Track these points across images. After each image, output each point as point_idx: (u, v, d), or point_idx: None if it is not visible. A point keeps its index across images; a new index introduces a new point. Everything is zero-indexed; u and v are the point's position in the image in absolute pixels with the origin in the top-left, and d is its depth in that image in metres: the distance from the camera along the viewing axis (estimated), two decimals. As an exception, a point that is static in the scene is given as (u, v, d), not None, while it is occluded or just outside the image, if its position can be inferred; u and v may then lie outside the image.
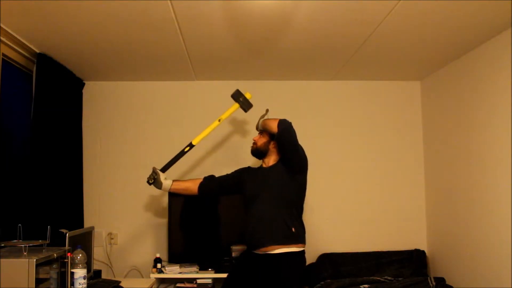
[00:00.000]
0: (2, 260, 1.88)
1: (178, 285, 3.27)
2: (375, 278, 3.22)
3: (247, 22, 2.49)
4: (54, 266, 2.19)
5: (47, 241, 2.15)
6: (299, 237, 2.46)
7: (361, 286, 3.03)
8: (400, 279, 3.20)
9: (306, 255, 2.50)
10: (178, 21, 2.47)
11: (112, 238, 3.53)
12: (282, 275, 2.39)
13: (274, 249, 2.40)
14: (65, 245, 2.33)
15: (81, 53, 2.99)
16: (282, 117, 2.52)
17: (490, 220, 2.80)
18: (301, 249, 2.45)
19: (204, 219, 3.45)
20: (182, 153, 2.81)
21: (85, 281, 2.27)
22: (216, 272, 3.23)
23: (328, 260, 3.42)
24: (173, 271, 3.22)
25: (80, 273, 2.24)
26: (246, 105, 2.84)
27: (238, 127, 3.63)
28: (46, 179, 2.88)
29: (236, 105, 2.84)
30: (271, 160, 2.62)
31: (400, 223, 3.64)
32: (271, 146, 2.60)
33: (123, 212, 3.57)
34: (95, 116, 3.64)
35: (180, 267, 3.26)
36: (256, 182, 2.59)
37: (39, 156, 2.83)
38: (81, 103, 3.56)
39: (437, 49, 2.99)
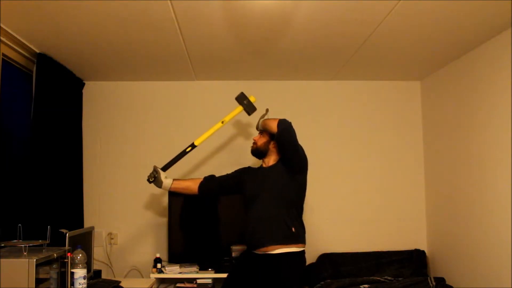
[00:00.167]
0: (2, 260, 1.88)
1: (178, 285, 3.27)
2: (375, 278, 3.22)
3: (247, 22, 2.49)
4: (54, 266, 2.19)
5: (47, 241, 2.15)
6: (299, 237, 2.46)
7: (361, 286, 3.03)
8: (400, 279, 3.20)
9: (306, 255, 2.49)
10: (178, 21, 2.47)
11: (112, 238, 3.53)
12: (282, 275, 2.39)
13: (274, 249, 2.40)
14: (65, 245, 2.33)
15: (81, 53, 2.99)
16: (282, 117, 2.52)
17: (490, 220, 2.80)
18: (301, 249, 2.45)
19: (204, 219, 3.45)
20: (183, 153, 2.81)
21: (85, 281, 2.27)
22: (216, 272, 3.23)
23: (328, 260, 3.42)
24: (173, 271, 3.22)
25: (80, 273, 2.24)
26: (250, 108, 2.83)
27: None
28: (46, 179, 2.88)
29: (240, 107, 2.84)
30: (271, 160, 2.62)
31: (400, 223, 3.64)
32: (271, 146, 2.60)
33: (123, 212, 3.57)
34: (95, 116, 3.64)
35: (180, 267, 3.26)
36: (256, 182, 2.59)
37: (39, 156, 2.83)
38: (81, 103, 3.56)
39: (437, 49, 2.99)
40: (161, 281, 3.46)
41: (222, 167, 2.92)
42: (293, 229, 2.43)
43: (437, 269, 3.47)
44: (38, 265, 1.91)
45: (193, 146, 2.82)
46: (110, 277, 3.38)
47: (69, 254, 2.19)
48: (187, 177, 3.48)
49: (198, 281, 3.22)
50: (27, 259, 1.88)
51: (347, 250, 3.52)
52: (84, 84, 3.60)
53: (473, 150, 3.00)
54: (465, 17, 2.44)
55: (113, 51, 2.96)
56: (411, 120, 3.76)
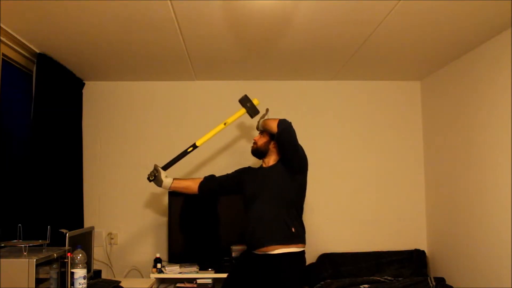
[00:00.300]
0: (2, 260, 1.88)
1: (178, 285, 3.27)
2: (375, 278, 3.22)
3: (247, 22, 2.49)
4: (54, 266, 2.19)
5: (47, 241, 2.15)
6: (299, 237, 2.46)
7: (361, 286, 3.03)
8: (400, 279, 3.20)
9: (306, 255, 2.50)
10: (178, 21, 2.47)
11: (112, 238, 3.53)
12: (282, 275, 2.39)
13: (274, 249, 2.40)
14: (65, 245, 2.33)
15: (81, 53, 2.99)
16: (282, 117, 2.52)
17: (490, 220, 2.80)
18: (301, 249, 2.45)
19: (204, 219, 3.45)
20: (185, 153, 2.81)
21: (85, 281, 2.27)
22: (216, 272, 3.23)
23: (328, 260, 3.42)
24: (173, 271, 3.22)
25: (80, 273, 2.24)
26: (252, 111, 2.81)
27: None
28: (46, 179, 2.88)
29: (243, 110, 2.83)
30: (271, 160, 2.62)
31: (400, 223, 3.64)
32: (271, 146, 2.60)
33: (123, 212, 3.57)
34: (95, 116, 3.64)
35: (180, 267, 3.26)
36: (256, 182, 2.59)
37: (39, 156, 2.83)
38: (81, 103, 3.56)
39: (437, 49, 2.99)
40: (161, 281, 3.46)
41: (224, 168, 2.91)
42: (293, 229, 2.43)
43: (437, 269, 3.47)
44: (38, 265, 1.91)
45: (194, 146, 2.82)
46: (110, 277, 3.38)
47: (69, 254, 2.19)
48: (188, 178, 3.49)
49: (198, 281, 3.22)
50: (27, 259, 1.88)
51: (347, 250, 3.52)
52: (84, 84, 3.60)
53: (473, 150, 3.00)
54: (465, 17, 2.44)
55: (113, 51, 2.96)
56: (411, 120, 3.76)
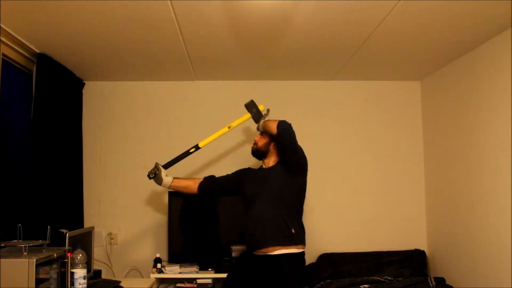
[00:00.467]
0: (2, 260, 1.88)
1: (178, 285, 3.27)
2: (375, 278, 3.22)
3: (247, 22, 2.49)
4: (54, 266, 2.20)
5: (47, 241, 2.15)
6: (299, 238, 2.46)
7: (361, 286, 3.03)
8: (400, 279, 3.20)
9: (306, 255, 2.50)
10: (178, 21, 2.47)
11: (112, 238, 3.53)
12: (281, 276, 2.39)
13: (274, 250, 2.40)
14: (65, 245, 2.33)
15: (81, 53, 2.99)
16: (282, 118, 2.52)
17: (490, 220, 2.80)
18: (301, 250, 2.45)
19: (204, 219, 3.45)
20: (186, 153, 2.82)
21: (85, 281, 2.27)
22: (216, 272, 3.23)
23: (328, 260, 3.42)
24: (173, 271, 3.22)
25: (80, 273, 2.24)
26: (258, 116, 2.79)
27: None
28: (46, 179, 2.88)
29: (248, 115, 2.82)
30: (271, 161, 2.62)
31: (400, 223, 3.64)
32: (272, 147, 2.60)
33: (123, 212, 3.57)
34: (95, 116, 3.64)
35: (180, 267, 3.26)
36: (256, 183, 2.59)
37: (39, 156, 2.83)
38: (81, 103, 3.56)
39: (437, 49, 2.99)
40: (161, 281, 3.46)
41: (227, 171, 2.90)
42: (293, 230, 2.43)
43: (437, 269, 3.47)
44: (38, 265, 1.91)
45: (197, 147, 2.83)
46: (110, 277, 3.38)
47: (69, 254, 2.19)
48: (188, 178, 3.48)
49: (198, 281, 3.22)
50: (27, 259, 1.88)
51: (347, 250, 3.52)
52: (84, 84, 3.60)
53: (473, 150, 3.00)
54: (465, 17, 2.44)
55: (113, 51, 2.96)
56: (411, 120, 3.76)
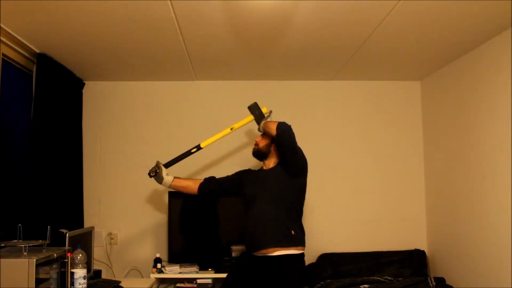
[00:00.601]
0: (2, 260, 1.88)
1: (178, 285, 3.27)
2: (375, 278, 3.22)
3: (247, 22, 2.49)
4: (54, 266, 2.20)
5: (47, 241, 2.15)
6: (299, 239, 2.46)
7: (361, 286, 3.03)
8: (400, 279, 3.20)
9: (306, 255, 2.50)
10: (178, 21, 2.47)
11: (112, 238, 3.53)
12: (281, 277, 2.39)
13: (274, 251, 2.40)
14: (65, 245, 2.33)
15: (81, 53, 2.99)
16: (282, 118, 2.52)
17: (490, 220, 2.80)
18: (301, 251, 2.45)
19: (204, 219, 3.45)
20: (188, 153, 2.83)
21: (85, 281, 2.27)
22: (216, 272, 3.23)
23: (328, 260, 3.42)
24: (173, 271, 3.22)
25: (80, 273, 2.24)
26: (260, 119, 2.79)
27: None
28: (46, 179, 2.88)
29: (251, 117, 2.82)
30: (271, 162, 2.62)
31: (400, 223, 3.64)
32: (273, 148, 2.60)
33: (123, 212, 3.57)
34: (95, 116, 3.64)
35: (180, 267, 3.26)
36: (256, 184, 2.59)
37: (39, 156, 2.83)
38: (81, 103, 3.56)
39: (437, 49, 2.99)
40: (161, 281, 3.46)
41: (228, 173, 2.90)
42: (293, 232, 2.43)
43: (437, 269, 3.47)
44: (38, 265, 1.91)
45: (198, 147, 2.83)
46: (110, 277, 3.38)
47: (69, 254, 2.19)
48: (189, 178, 3.48)
49: (198, 281, 3.22)
50: (27, 259, 1.88)
51: (347, 250, 3.52)
52: (84, 84, 3.60)
53: (473, 150, 3.00)
54: (465, 17, 2.44)
55: (113, 51, 2.96)
56: (411, 120, 3.75)
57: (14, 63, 2.75)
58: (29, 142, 2.81)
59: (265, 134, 2.67)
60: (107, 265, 3.49)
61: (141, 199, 3.59)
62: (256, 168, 2.83)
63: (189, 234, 3.41)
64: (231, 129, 2.85)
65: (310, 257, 3.39)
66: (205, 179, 2.81)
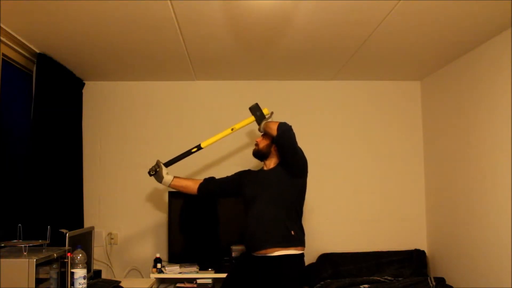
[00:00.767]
0: (2, 260, 1.88)
1: (178, 285, 3.27)
2: (375, 278, 3.22)
3: (247, 22, 2.49)
4: (54, 266, 2.20)
5: (47, 241, 2.15)
6: (299, 239, 2.46)
7: (361, 286, 3.03)
8: (400, 279, 3.20)
9: (306, 255, 2.50)
10: (178, 21, 2.47)
11: (112, 238, 3.53)
12: (281, 277, 2.38)
13: (274, 252, 2.40)
14: (65, 245, 2.33)
15: (81, 53, 2.99)
16: (282, 118, 2.52)
17: (490, 220, 2.80)
18: (300, 251, 2.45)
19: (204, 219, 3.45)
20: (188, 153, 2.83)
21: (85, 281, 2.27)
22: (216, 272, 3.23)
23: (328, 260, 3.42)
24: (173, 271, 3.22)
25: (80, 273, 2.24)
26: (261, 120, 2.78)
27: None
28: (46, 179, 2.88)
29: (252, 118, 2.82)
30: (272, 162, 2.62)
31: (400, 223, 3.64)
32: (273, 148, 2.60)
33: (123, 212, 3.57)
34: (95, 116, 3.64)
35: (180, 267, 3.26)
36: (256, 184, 2.59)
37: (39, 156, 2.83)
38: (81, 103, 3.56)
39: (437, 49, 2.99)
40: (161, 281, 3.46)
41: (229, 173, 2.90)
42: (293, 232, 2.43)
43: (437, 269, 3.47)
44: (38, 265, 1.91)
45: (199, 147, 2.83)
46: (110, 277, 3.38)
47: (69, 254, 2.19)
48: (189, 178, 3.48)
49: (198, 281, 3.22)
50: (27, 259, 1.88)
51: (347, 250, 3.52)
52: (84, 84, 3.60)
53: (473, 150, 3.00)
54: (465, 17, 2.44)
55: (113, 51, 2.96)
56: (411, 120, 3.75)
57: (14, 63, 2.75)
58: (29, 142, 2.81)
59: (265, 134, 2.67)
60: (107, 265, 3.49)
61: (141, 199, 3.59)
62: (257, 169, 2.83)
63: (189, 234, 3.41)
64: (232, 129, 2.85)
65: (310, 257, 3.39)
66: (205, 180, 2.81)
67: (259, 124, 2.78)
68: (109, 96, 3.67)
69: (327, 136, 3.71)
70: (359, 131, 3.73)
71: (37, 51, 2.88)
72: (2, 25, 2.47)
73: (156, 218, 3.58)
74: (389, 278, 3.22)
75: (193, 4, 2.25)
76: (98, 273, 3.05)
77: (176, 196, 3.35)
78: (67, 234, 2.39)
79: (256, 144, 2.68)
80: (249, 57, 3.13)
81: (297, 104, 3.71)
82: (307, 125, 3.64)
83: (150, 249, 3.52)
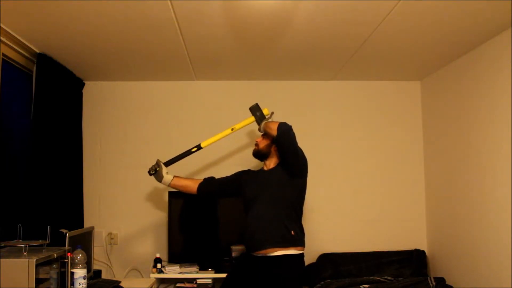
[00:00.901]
0: (2, 260, 1.88)
1: (178, 285, 3.27)
2: (375, 278, 3.22)
3: (247, 22, 2.49)
4: (54, 266, 2.19)
5: (47, 241, 2.15)
6: (299, 239, 2.46)
7: (361, 286, 3.03)
8: (400, 279, 3.20)
9: (306, 255, 2.50)
10: (178, 21, 2.47)
11: (112, 238, 3.53)
12: (281, 278, 2.39)
13: (273, 252, 2.40)
14: (65, 245, 2.33)
15: (81, 53, 2.99)
16: (282, 118, 2.52)
17: (490, 220, 2.80)
18: (300, 252, 2.45)
19: (204, 219, 3.45)
20: (188, 152, 2.83)
21: (85, 281, 2.27)
22: (216, 272, 3.23)
23: (328, 260, 3.42)
24: (173, 271, 3.22)
25: (80, 273, 2.24)
26: (261, 120, 2.78)
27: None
28: (46, 179, 2.88)
29: (252, 118, 2.82)
30: (272, 162, 2.63)
31: (400, 223, 3.64)
32: (273, 149, 2.61)
33: (123, 212, 3.57)
34: (95, 116, 3.64)
35: (180, 267, 3.26)
36: (256, 184, 2.60)
37: (39, 156, 2.83)
38: (81, 103, 3.56)
39: (437, 49, 2.99)
40: (161, 281, 3.46)
41: (229, 173, 2.90)
42: (292, 232, 2.43)
43: (437, 269, 3.47)
44: (38, 265, 1.91)
45: (199, 147, 2.84)
46: (110, 277, 3.38)
47: (69, 254, 2.19)
48: (189, 177, 3.48)
49: (198, 281, 3.22)
50: (27, 259, 1.88)
51: (347, 250, 3.52)
52: (84, 84, 3.60)
53: (473, 150, 3.00)
54: (465, 17, 2.44)
55: (113, 51, 2.96)
56: (411, 120, 3.75)
57: (14, 63, 2.75)
58: (29, 142, 2.81)
59: (265, 134, 2.67)
60: (107, 265, 3.49)
61: (141, 199, 3.59)
62: (257, 169, 2.83)
63: (189, 234, 3.41)
64: (232, 129, 2.85)
65: (310, 257, 3.39)
66: (205, 179, 2.81)
67: (259, 124, 2.78)
68: (109, 96, 3.67)
69: (327, 136, 3.71)
70: (359, 131, 3.73)
71: (37, 51, 2.88)
72: (2, 25, 2.47)
73: (156, 218, 3.58)
74: (389, 278, 3.22)
75: (193, 4, 2.25)
76: (98, 273, 3.05)
77: (176, 196, 3.35)
78: (67, 234, 2.40)
79: (256, 144, 2.68)
80: (249, 57, 3.13)
81: (297, 104, 3.71)
82: (307, 125, 3.64)
83: (150, 249, 3.52)
